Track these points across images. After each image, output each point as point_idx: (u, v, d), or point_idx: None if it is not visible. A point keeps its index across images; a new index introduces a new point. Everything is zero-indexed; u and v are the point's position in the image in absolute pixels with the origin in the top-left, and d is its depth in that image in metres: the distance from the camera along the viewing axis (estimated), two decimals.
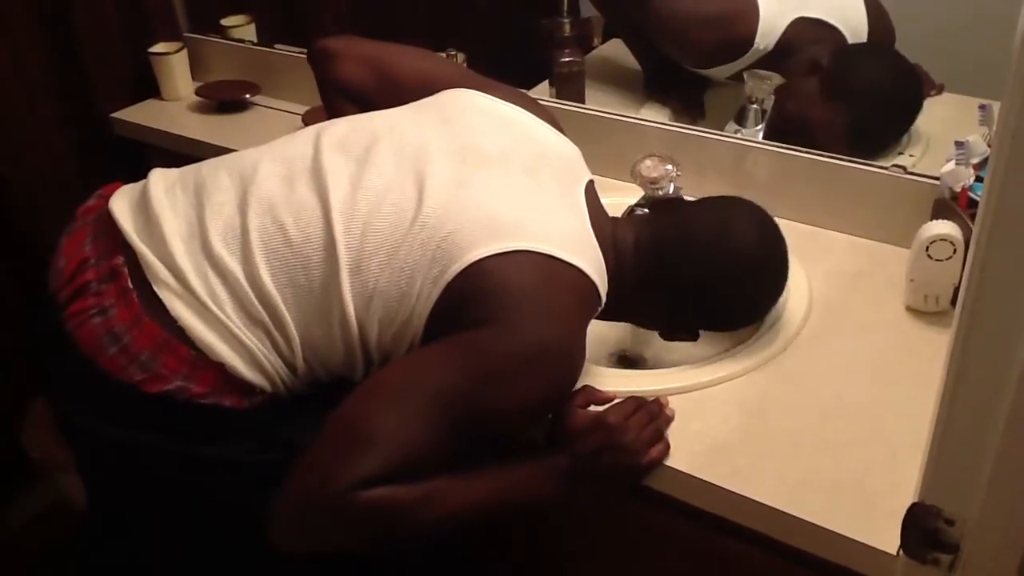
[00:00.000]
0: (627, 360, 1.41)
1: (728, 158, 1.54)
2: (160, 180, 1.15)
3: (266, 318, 1.05)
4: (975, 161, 1.28)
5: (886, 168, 1.43)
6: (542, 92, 1.77)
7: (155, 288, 1.04)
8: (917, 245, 1.25)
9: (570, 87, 1.76)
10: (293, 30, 2.17)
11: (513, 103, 1.23)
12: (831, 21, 1.57)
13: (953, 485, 0.75)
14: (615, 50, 1.93)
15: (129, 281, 1.04)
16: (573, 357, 1.08)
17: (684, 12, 1.65)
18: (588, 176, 1.22)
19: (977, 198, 1.23)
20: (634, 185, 1.41)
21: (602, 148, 1.49)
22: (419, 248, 1.05)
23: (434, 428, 0.99)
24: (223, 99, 2.07)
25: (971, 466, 0.72)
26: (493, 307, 1.02)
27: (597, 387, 1.15)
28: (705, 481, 1.05)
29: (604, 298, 1.13)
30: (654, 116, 1.69)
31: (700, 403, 1.15)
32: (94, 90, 2.03)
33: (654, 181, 1.37)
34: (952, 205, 1.28)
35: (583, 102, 1.74)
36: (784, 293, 1.24)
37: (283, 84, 2.05)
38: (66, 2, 1.93)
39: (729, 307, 1.21)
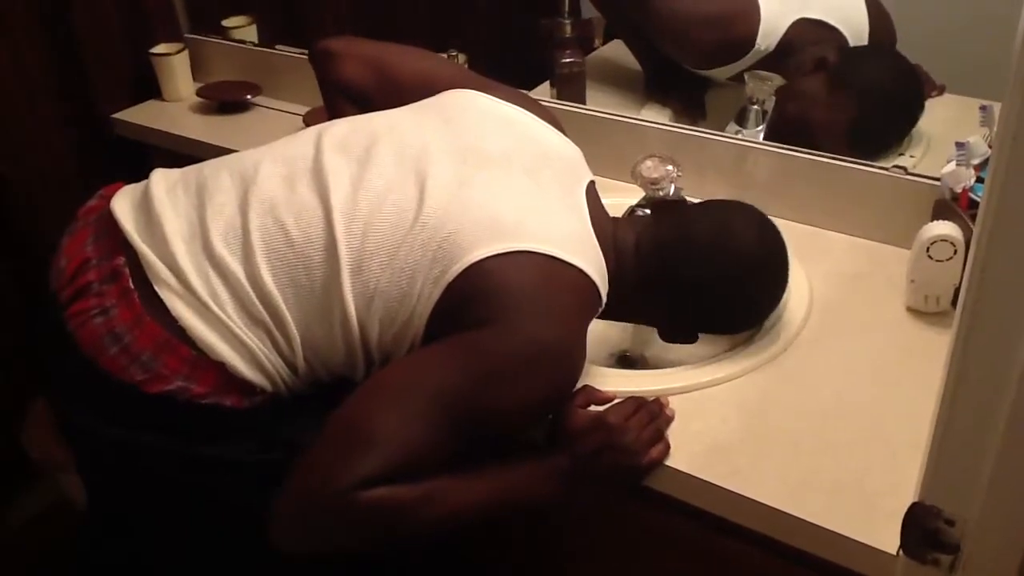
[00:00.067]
0: (627, 360, 1.41)
1: (729, 159, 1.54)
2: (161, 180, 1.15)
3: (267, 318, 1.05)
4: (976, 162, 1.28)
5: (887, 169, 1.43)
6: (543, 93, 1.77)
7: (156, 288, 1.04)
8: (918, 246, 1.25)
9: (571, 88, 1.76)
10: (294, 31, 2.17)
11: (514, 104, 1.24)
12: (832, 22, 1.57)
13: (953, 485, 0.75)
14: (616, 51, 1.93)
15: (130, 281, 1.04)
16: (573, 357, 1.08)
17: (684, 12, 1.65)
18: (589, 177, 1.22)
19: (978, 199, 1.23)
20: (635, 186, 1.41)
21: (603, 149, 1.49)
22: (420, 248, 1.05)
23: (435, 428, 0.99)
24: (224, 100, 2.07)
25: (971, 466, 0.72)
26: (494, 307, 1.03)
27: (597, 387, 1.15)
28: (705, 481, 1.05)
29: (605, 298, 1.13)
30: (655, 117, 1.69)
31: (700, 403, 1.15)
32: (94, 90, 2.03)
33: (655, 182, 1.37)
34: (953, 206, 1.28)
35: (584, 103, 1.74)
36: (784, 295, 1.24)
37: (284, 85, 2.05)
38: (66, 2, 1.93)
39: (729, 308, 1.21)
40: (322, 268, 1.06)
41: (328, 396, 1.05)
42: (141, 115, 2.07)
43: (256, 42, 2.16)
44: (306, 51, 1.40)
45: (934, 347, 1.10)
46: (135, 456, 1.07)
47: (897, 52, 1.54)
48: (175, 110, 2.09)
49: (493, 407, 1.02)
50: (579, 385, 1.13)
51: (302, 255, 1.06)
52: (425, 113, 1.22)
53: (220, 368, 1.03)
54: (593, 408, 1.12)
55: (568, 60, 1.75)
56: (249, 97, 2.06)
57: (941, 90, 1.56)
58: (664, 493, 1.10)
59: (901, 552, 0.81)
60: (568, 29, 1.75)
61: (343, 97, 1.33)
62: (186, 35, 2.17)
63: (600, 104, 1.71)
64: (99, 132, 2.05)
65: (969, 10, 1.48)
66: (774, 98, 1.60)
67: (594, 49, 1.94)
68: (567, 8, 1.74)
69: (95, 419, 1.06)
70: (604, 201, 1.23)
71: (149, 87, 2.11)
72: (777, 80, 1.59)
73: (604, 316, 1.17)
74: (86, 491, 1.28)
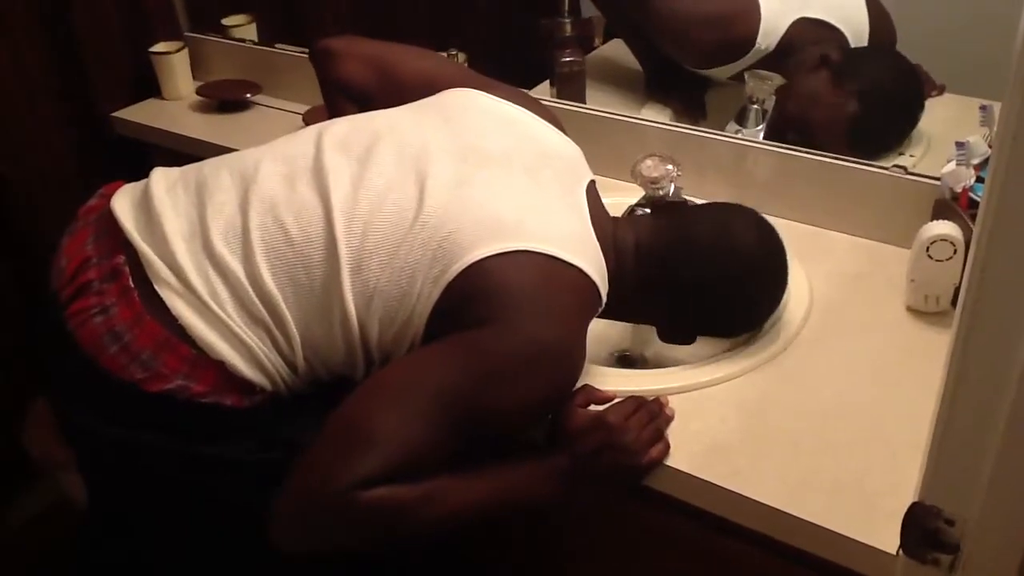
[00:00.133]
0: (627, 360, 1.41)
1: (729, 158, 1.54)
2: (162, 179, 1.15)
3: (267, 317, 1.05)
4: (976, 162, 1.28)
5: (887, 168, 1.43)
6: (543, 92, 1.77)
7: (156, 287, 1.04)
8: (918, 245, 1.25)
9: (571, 87, 1.76)
10: (294, 30, 2.17)
11: (514, 103, 1.24)
12: (833, 22, 1.57)
13: (953, 485, 0.75)
14: (616, 50, 1.93)
15: (130, 280, 1.04)
16: (573, 357, 1.08)
17: (684, 12, 1.65)
18: (590, 176, 1.22)
19: (978, 199, 1.23)
20: (635, 185, 1.41)
21: (603, 148, 1.49)
22: (420, 248, 1.05)
23: (435, 428, 0.99)
24: (224, 98, 2.07)
25: (971, 466, 0.72)
26: (494, 307, 1.03)
27: (597, 387, 1.15)
28: (705, 481, 1.05)
29: (605, 298, 1.13)
30: (655, 116, 1.69)
31: (700, 403, 1.15)
32: (94, 90, 2.03)
33: (655, 181, 1.37)
34: (953, 205, 1.28)
35: (584, 102, 1.74)
36: (783, 298, 1.24)
37: (284, 84, 2.05)
38: (66, 2, 1.92)
39: (729, 309, 1.21)
40: (322, 267, 1.05)
41: (328, 395, 1.05)
42: (141, 114, 2.07)
43: (256, 41, 2.16)
44: (306, 50, 1.40)
45: (934, 347, 1.10)
46: (135, 455, 1.07)
47: (897, 52, 1.54)
48: (175, 109, 2.09)
49: (493, 407, 1.02)
50: (579, 385, 1.13)
51: (302, 254, 1.06)
52: (425, 112, 1.22)
53: (220, 367, 1.03)
54: (593, 408, 1.12)
55: (568, 59, 1.74)
56: (249, 96, 2.06)
57: (941, 90, 1.56)
58: (664, 493, 1.10)
59: (901, 552, 0.81)
60: (568, 28, 1.74)
61: (343, 96, 1.34)
62: (186, 34, 2.17)
63: (600, 103, 1.71)
64: (99, 131, 2.05)
65: (969, 10, 1.48)
66: (774, 97, 1.60)
67: (594, 48, 1.94)
68: (567, 7, 1.74)
69: (95, 418, 1.06)
70: (604, 200, 1.23)
71: (149, 86, 2.11)
72: (777, 79, 1.59)
73: (604, 316, 1.17)
74: (87, 490, 1.28)
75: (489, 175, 1.12)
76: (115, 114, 2.06)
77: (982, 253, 0.64)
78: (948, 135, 1.36)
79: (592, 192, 1.20)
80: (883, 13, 1.57)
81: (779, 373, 1.20)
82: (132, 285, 1.04)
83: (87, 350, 1.02)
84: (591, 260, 1.10)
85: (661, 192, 1.39)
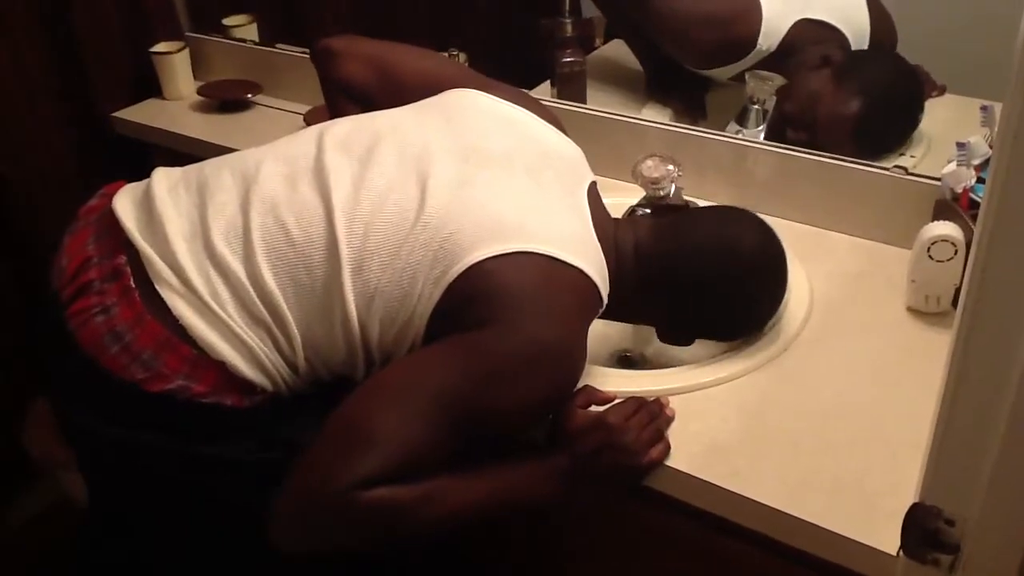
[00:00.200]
0: (628, 360, 1.41)
1: (729, 158, 1.54)
2: (163, 179, 1.15)
3: (268, 317, 1.05)
4: (976, 162, 1.28)
5: (887, 169, 1.43)
6: (543, 92, 1.77)
7: (157, 287, 1.04)
8: (918, 246, 1.25)
9: (571, 87, 1.76)
10: (294, 30, 2.17)
11: (515, 103, 1.24)
12: (834, 23, 1.57)
13: (953, 485, 0.75)
14: (617, 50, 1.93)
15: (131, 280, 1.04)
16: (574, 357, 1.08)
17: (684, 12, 1.65)
18: (591, 177, 1.22)
19: (978, 199, 1.23)
20: (635, 185, 1.41)
21: (603, 148, 1.49)
22: (421, 248, 1.05)
23: (435, 428, 0.99)
24: (225, 98, 2.07)
25: (972, 466, 0.72)
26: (494, 308, 1.03)
27: (598, 387, 1.15)
28: (705, 481, 1.05)
29: (606, 299, 1.13)
30: (655, 116, 1.69)
31: (700, 403, 1.15)
32: (94, 90, 2.03)
33: (655, 181, 1.37)
34: (953, 206, 1.28)
35: (584, 102, 1.74)
36: (783, 302, 1.24)
37: (285, 84, 2.06)
38: (66, 2, 1.92)
39: (729, 310, 1.21)
40: (323, 267, 1.05)
41: (328, 395, 1.05)
42: (142, 114, 2.07)
43: (257, 41, 2.16)
44: (307, 50, 1.40)
45: (934, 347, 1.10)
46: (135, 455, 1.07)
47: (897, 55, 1.54)
48: (176, 109, 2.09)
49: (493, 407, 1.02)
50: (580, 385, 1.13)
51: (303, 254, 1.06)
52: (427, 112, 1.22)
53: (221, 367, 1.03)
54: (593, 408, 1.12)
55: (569, 59, 1.74)
56: (250, 96, 2.06)
57: (942, 90, 1.56)
58: (664, 493, 1.10)
59: (901, 552, 0.81)
60: (569, 28, 1.74)
61: (344, 96, 1.34)
62: (187, 34, 2.17)
63: (601, 104, 1.71)
64: (99, 131, 2.05)
65: (970, 10, 1.48)
66: (775, 98, 1.60)
67: (595, 48, 1.94)
68: (568, 7, 1.74)
69: (95, 418, 1.06)
70: (605, 200, 1.24)
71: (150, 86, 2.11)
72: (778, 80, 1.59)
73: (604, 316, 1.17)
74: (87, 490, 1.28)
75: (491, 176, 1.12)
76: (116, 114, 2.06)
77: (983, 254, 0.64)
78: (949, 135, 1.36)
79: (593, 193, 1.20)
80: (884, 14, 1.57)
81: (779, 373, 1.20)
82: (133, 285, 1.04)
83: (88, 350, 1.02)
84: (592, 261, 1.10)
85: (662, 192, 1.39)
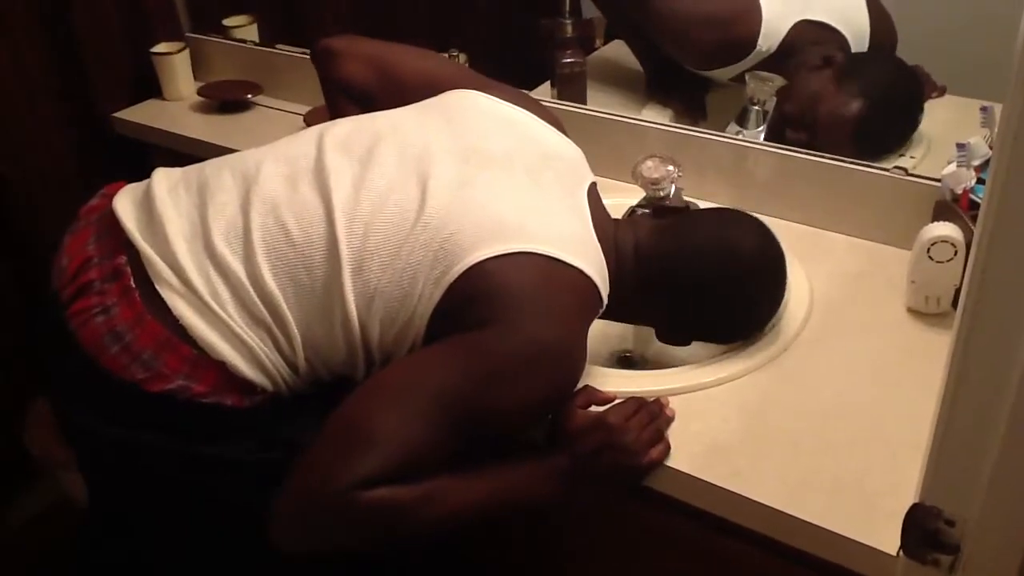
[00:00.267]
0: (628, 360, 1.41)
1: (729, 159, 1.54)
2: (163, 179, 1.15)
3: (268, 317, 1.05)
4: (976, 163, 1.28)
5: (887, 170, 1.43)
6: (543, 93, 1.77)
7: (157, 287, 1.04)
8: (918, 247, 1.25)
9: (572, 88, 1.76)
10: (294, 30, 2.17)
11: (515, 104, 1.24)
12: (834, 24, 1.57)
13: (953, 486, 0.75)
14: (617, 51, 1.93)
15: (132, 280, 1.04)
16: (574, 357, 1.08)
17: (684, 13, 1.65)
18: (591, 178, 1.22)
19: (978, 200, 1.23)
20: (635, 186, 1.41)
21: (603, 149, 1.49)
22: (421, 249, 1.05)
23: (435, 428, 0.99)
24: (225, 99, 2.07)
25: (972, 467, 0.72)
26: (495, 308, 1.03)
27: (598, 387, 1.15)
28: (705, 482, 1.05)
29: (606, 299, 1.13)
30: (656, 117, 1.69)
31: (701, 404, 1.15)
32: (94, 90, 2.03)
33: (655, 182, 1.37)
34: (953, 207, 1.28)
35: (585, 103, 1.74)
36: (782, 303, 1.24)
37: (285, 84, 2.06)
38: (66, 2, 1.92)
39: (728, 311, 1.21)
40: (323, 268, 1.06)
41: (329, 395, 1.05)
42: (142, 114, 2.07)
43: (257, 41, 2.16)
44: (307, 50, 1.40)
45: (934, 348, 1.10)
46: (135, 455, 1.07)
47: (897, 57, 1.54)
48: (176, 109, 2.09)
49: (493, 407, 1.02)
50: (580, 385, 1.13)
51: (303, 255, 1.06)
52: (427, 113, 1.22)
53: (221, 367, 1.03)
54: (593, 408, 1.12)
55: (569, 60, 1.75)
56: (250, 96, 2.06)
57: (942, 91, 1.56)
58: (664, 493, 1.10)
59: (901, 552, 0.81)
60: (569, 29, 1.74)
61: (345, 96, 1.34)
62: (187, 34, 2.17)
63: (601, 104, 1.71)
64: (99, 131, 2.05)
65: (969, 10, 1.48)
66: (775, 99, 1.60)
67: (595, 49, 1.94)
68: (568, 8, 1.74)
69: (96, 418, 1.06)
70: (605, 201, 1.24)
71: (150, 86, 2.11)
72: (778, 81, 1.59)
73: (604, 316, 1.17)
74: (87, 490, 1.28)
75: (491, 176, 1.12)
76: (116, 114, 2.06)
77: (983, 255, 0.64)
78: (949, 136, 1.36)
79: (593, 194, 1.20)
80: (884, 15, 1.57)
81: (780, 374, 1.20)
82: (133, 285, 1.04)
83: (88, 350, 1.02)
84: (592, 261, 1.10)
85: (662, 193, 1.39)
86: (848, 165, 1.45)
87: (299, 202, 1.08)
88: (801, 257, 1.37)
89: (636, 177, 1.38)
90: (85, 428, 1.09)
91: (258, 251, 1.05)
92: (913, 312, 1.30)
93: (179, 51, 2.09)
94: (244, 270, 1.05)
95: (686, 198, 1.42)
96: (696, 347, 1.26)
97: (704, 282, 1.17)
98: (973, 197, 1.26)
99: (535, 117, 1.23)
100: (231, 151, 1.26)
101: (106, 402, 1.05)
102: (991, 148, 1.26)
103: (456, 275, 1.03)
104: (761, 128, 1.62)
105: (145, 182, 1.16)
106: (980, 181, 1.26)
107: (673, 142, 1.57)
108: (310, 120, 1.89)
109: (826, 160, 1.47)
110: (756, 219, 1.22)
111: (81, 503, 1.34)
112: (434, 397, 0.99)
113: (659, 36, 1.72)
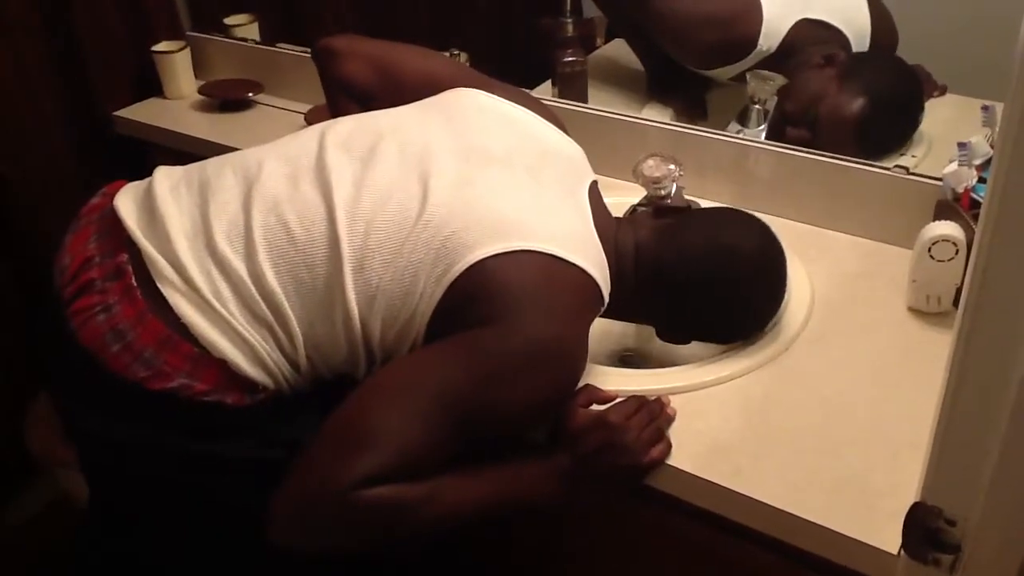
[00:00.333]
0: (629, 359, 1.41)
1: (730, 158, 1.54)
2: (165, 178, 1.15)
3: (269, 316, 1.05)
4: (978, 162, 1.28)
5: (888, 169, 1.43)
6: (544, 92, 1.77)
7: (159, 285, 1.04)
8: (919, 246, 1.25)
9: (572, 87, 1.76)
10: (295, 29, 2.17)
11: (516, 102, 1.24)
12: (834, 23, 1.57)
13: (955, 485, 0.75)
14: (618, 50, 1.93)
15: (133, 279, 1.04)
16: (575, 356, 1.08)
17: (685, 12, 1.65)
18: (592, 177, 1.22)
19: (980, 199, 1.23)
20: (636, 185, 1.41)
21: (604, 148, 1.49)
22: (423, 247, 1.05)
23: (435, 427, 0.99)
24: (226, 98, 2.07)
25: (973, 466, 0.72)
26: (496, 306, 1.03)
27: (599, 386, 1.15)
28: (706, 481, 1.05)
29: (607, 298, 1.13)
30: (656, 116, 1.69)
31: (702, 403, 1.15)
32: (95, 89, 2.03)
33: (656, 181, 1.38)
34: (954, 206, 1.28)
35: (586, 102, 1.74)
36: (782, 304, 1.24)
37: (286, 83, 2.06)
38: (66, 2, 1.92)
39: (727, 310, 1.21)
40: (325, 266, 1.06)
41: (330, 394, 1.05)
42: (143, 113, 2.07)
43: (258, 40, 2.16)
44: (308, 49, 1.40)
45: (935, 347, 1.10)
46: (137, 453, 1.07)
47: (898, 56, 1.54)
48: (177, 108, 2.09)
49: (494, 407, 1.02)
50: (581, 384, 1.13)
51: (304, 253, 1.06)
52: (428, 112, 1.22)
53: (222, 366, 1.03)
54: (594, 407, 1.12)
55: (570, 59, 1.75)
56: (251, 95, 2.06)
57: (943, 90, 1.56)
58: (665, 492, 1.10)
59: (902, 552, 0.81)
60: (570, 28, 1.74)
61: (345, 95, 1.34)
62: (188, 33, 2.17)
63: (602, 103, 1.71)
64: (100, 130, 2.05)
65: (970, 10, 1.48)
66: (776, 98, 1.60)
67: (596, 48, 1.94)
68: (568, 7, 1.74)
69: (97, 417, 1.06)
70: (606, 200, 1.24)
71: (151, 85, 2.11)
72: (779, 80, 1.59)
73: (605, 315, 1.17)
74: (87, 489, 1.28)
75: (492, 175, 1.12)
76: (117, 113, 2.06)
77: (984, 254, 0.64)
78: (950, 136, 1.36)
79: (594, 192, 1.20)
80: (885, 14, 1.57)
81: (781, 373, 1.20)
82: (135, 283, 1.04)
83: (89, 348, 1.02)
84: (593, 260, 1.10)
85: (663, 192, 1.39)
86: (849, 164, 1.45)
87: (300, 200, 1.08)
88: (802, 256, 1.37)
89: (637, 176, 1.38)
90: (87, 427, 1.10)
91: (260, 249, 1.05)
92: (914, 311, 1.30)
93: (180, 50, 2.09)
94: (246, 268, 1.05)
95: (687, 197, 1.42)
96: (697, 346, 1.26)
97: (704, 283, 1.17)
98: (974, 196, 1.26)
99: (536, 116, 1.23)
100: (232, 150, 1.26)
101: (107, 401, 1.05)
102: (992, 147, 1.26)
103: (457, 273, 1.03)
104: (762, 127, 1.62)
105: (146, 181, 1.16)
106: (981, 180, 1.26)
107: (674, 141, 1.57)
108: (311, 119, 1.89)
109: (827, 159, 1.47)
110: (757, 219, 1.22)
111: (81, 502, 1.34)
112: (435, 396, 0.99)
113: (659, 36, 1.72)
